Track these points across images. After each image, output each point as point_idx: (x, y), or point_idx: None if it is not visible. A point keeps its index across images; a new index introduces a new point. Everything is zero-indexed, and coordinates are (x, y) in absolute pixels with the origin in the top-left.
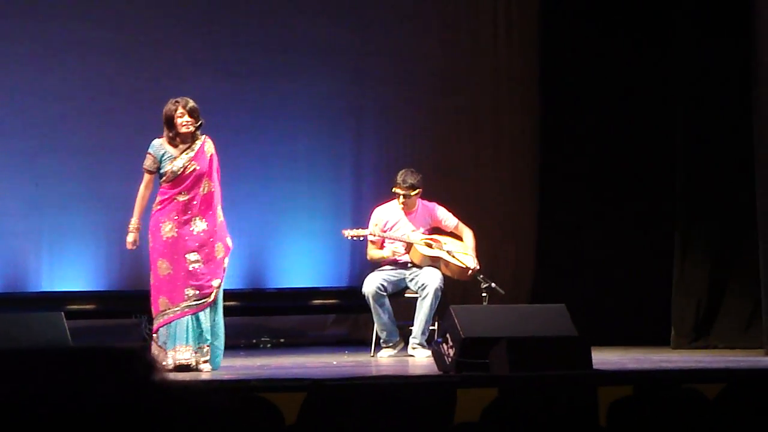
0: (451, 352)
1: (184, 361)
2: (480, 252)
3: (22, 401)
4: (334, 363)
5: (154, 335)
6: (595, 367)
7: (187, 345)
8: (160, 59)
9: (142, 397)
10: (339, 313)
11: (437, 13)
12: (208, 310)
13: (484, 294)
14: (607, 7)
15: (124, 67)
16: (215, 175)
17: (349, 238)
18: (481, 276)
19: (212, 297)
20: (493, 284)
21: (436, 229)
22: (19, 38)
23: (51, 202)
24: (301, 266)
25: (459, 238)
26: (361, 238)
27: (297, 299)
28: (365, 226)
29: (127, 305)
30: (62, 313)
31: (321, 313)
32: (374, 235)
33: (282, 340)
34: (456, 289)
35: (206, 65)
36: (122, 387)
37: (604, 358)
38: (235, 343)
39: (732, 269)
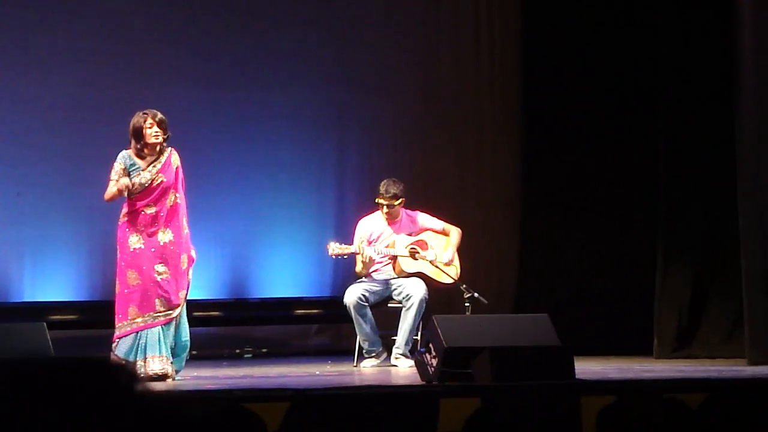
0: (434, 361)
1: (159, 371)
2: (463, 262)
3: (3, 412)
4: (317, 373)
5: (113, 344)
6: (578, 376)
7: (161, 355)
8: (142, 69)
9: (125, 408)
10: (322, 323)
11: (419, 22)
12: (173, 323)
13: (467, 304)
14: (589, 15)
15: (107, 77)
16: (180, 187)
17: (333, 257)
18: (464, 286)
19: (178, 311)
20: (476, 294)
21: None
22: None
23: (33, 211)
24: (283, 276)
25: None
26: (345, 257)
27: (280, 309)
28: (348, 234)
29: (110, 315)
30: (44, 324)
31: (304, 323)
32: (360, 253)
33: (264, 350)
34: (439, 298)
35: (189, 75)
36: (105, 397)
37: (586, 367)
38: (217, 354)
39: (714, 278)
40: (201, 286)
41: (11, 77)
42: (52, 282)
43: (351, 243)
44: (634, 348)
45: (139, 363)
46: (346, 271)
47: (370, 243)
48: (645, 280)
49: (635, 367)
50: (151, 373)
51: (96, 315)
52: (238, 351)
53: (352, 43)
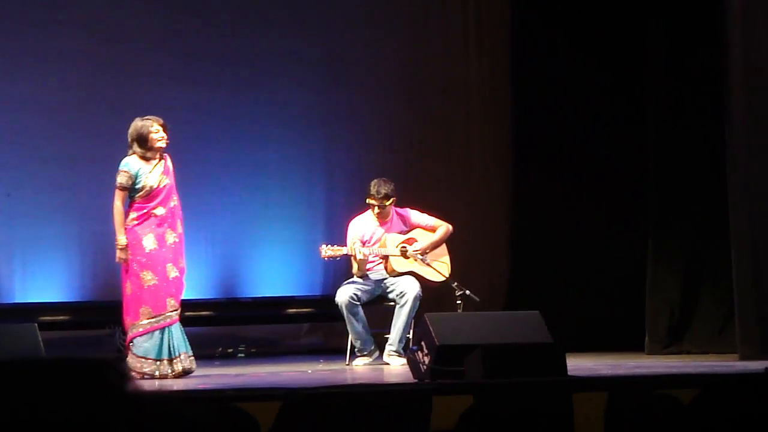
0: (426, 359)
1: (187, 367)
2: (454, 260)
3: None
4: (309, 372)
5: (130, 344)
6: (569, 373)
7: (188, 354)
8: (132, 71)
9: (117, 409)
10: (313, 321)
11: (408, 22)
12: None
13: (458, 301)
14: (579, 16)
15: (97, 77)
16: (175, 189)
17: (326, 259)
18: (456, 283)
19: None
20: (467, 291)
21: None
22: None
23: (23, 212)
24: (275, 275)
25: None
26: (338, 258)
27: (271, 308)
28: (338, 233)
29: (101, 316)
30: (35, 325)
31: (295, 321)
32: (352, 254)
33: (253, 350)
34: (431, 296)
35: (177, 76)
36: (96, 398)
37: (578, 364)
38: (209, 353)
39: (705, 274)
40: (192, 286)
41: (2, 78)
42: (43, 283)
43: (342, 244)
44: (625, 344)
45: (165, 362)
46: (337, 269)
47: (363, 244)
48: (636, 277)
49: (627, 363)
50: (182, 369)
51: (87, 316)
52: (230, 350)
53: (339, 42)
